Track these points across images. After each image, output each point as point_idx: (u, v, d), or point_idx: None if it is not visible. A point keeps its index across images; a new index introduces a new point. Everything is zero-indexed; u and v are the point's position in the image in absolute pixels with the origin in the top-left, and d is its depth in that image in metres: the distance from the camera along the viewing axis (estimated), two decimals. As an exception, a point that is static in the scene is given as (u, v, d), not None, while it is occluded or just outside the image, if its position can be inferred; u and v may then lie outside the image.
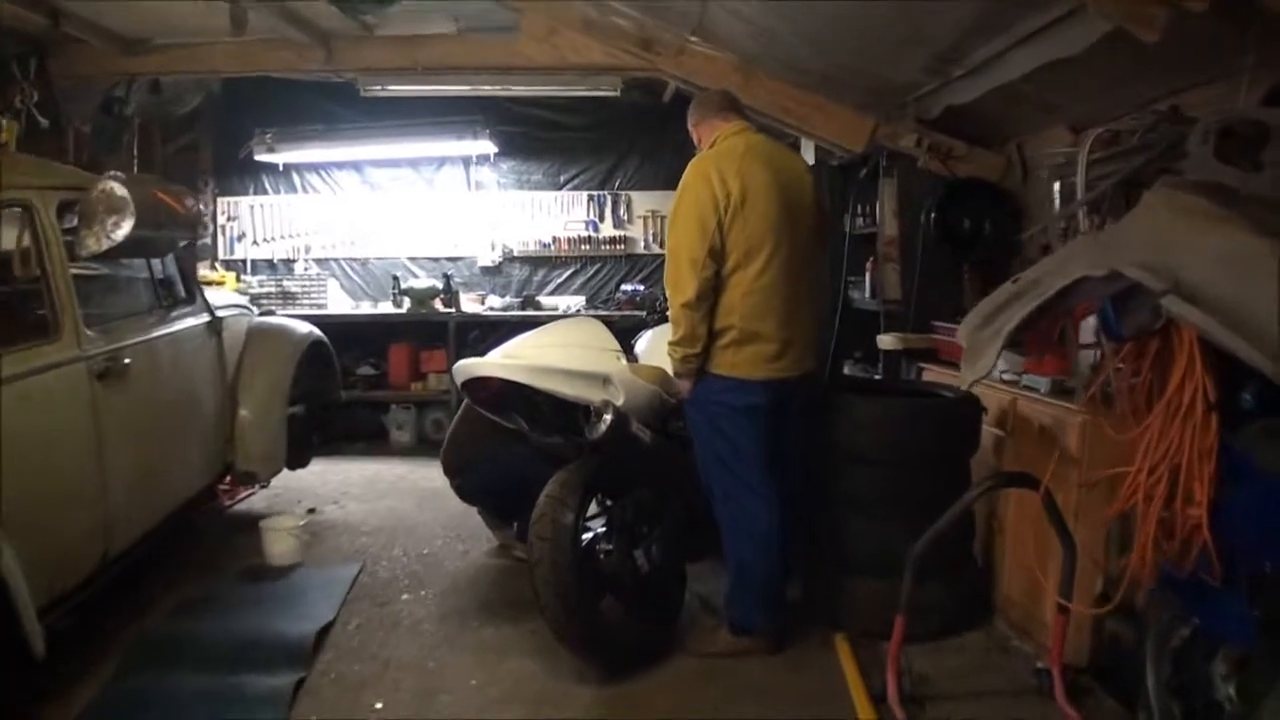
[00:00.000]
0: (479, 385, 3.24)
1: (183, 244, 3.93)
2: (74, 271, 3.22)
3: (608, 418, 3.01)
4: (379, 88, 5.45)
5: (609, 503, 3.37)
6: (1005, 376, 3.84)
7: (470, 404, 4.37)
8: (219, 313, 4.34)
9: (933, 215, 4.98)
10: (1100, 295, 2.15)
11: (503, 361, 3.16)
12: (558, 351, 3.25)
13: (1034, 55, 3.51)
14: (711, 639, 3.43)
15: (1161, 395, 2.08)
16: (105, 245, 3.14)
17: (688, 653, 3.42)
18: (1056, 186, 3.82)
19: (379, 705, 3.10)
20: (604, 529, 3.28)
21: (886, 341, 4.96)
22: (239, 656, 3.33)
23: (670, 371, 3.58)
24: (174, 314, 3.90)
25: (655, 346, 3.77)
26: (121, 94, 5.11)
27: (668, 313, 3.28)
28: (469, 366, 3.23)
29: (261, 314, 5.08)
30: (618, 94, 5.89)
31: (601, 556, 3.23)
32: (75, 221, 3.16)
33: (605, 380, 3.26)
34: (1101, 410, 2.39)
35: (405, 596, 4.03)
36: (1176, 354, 2.01)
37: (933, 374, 4.65)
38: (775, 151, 3.39)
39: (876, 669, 3.25)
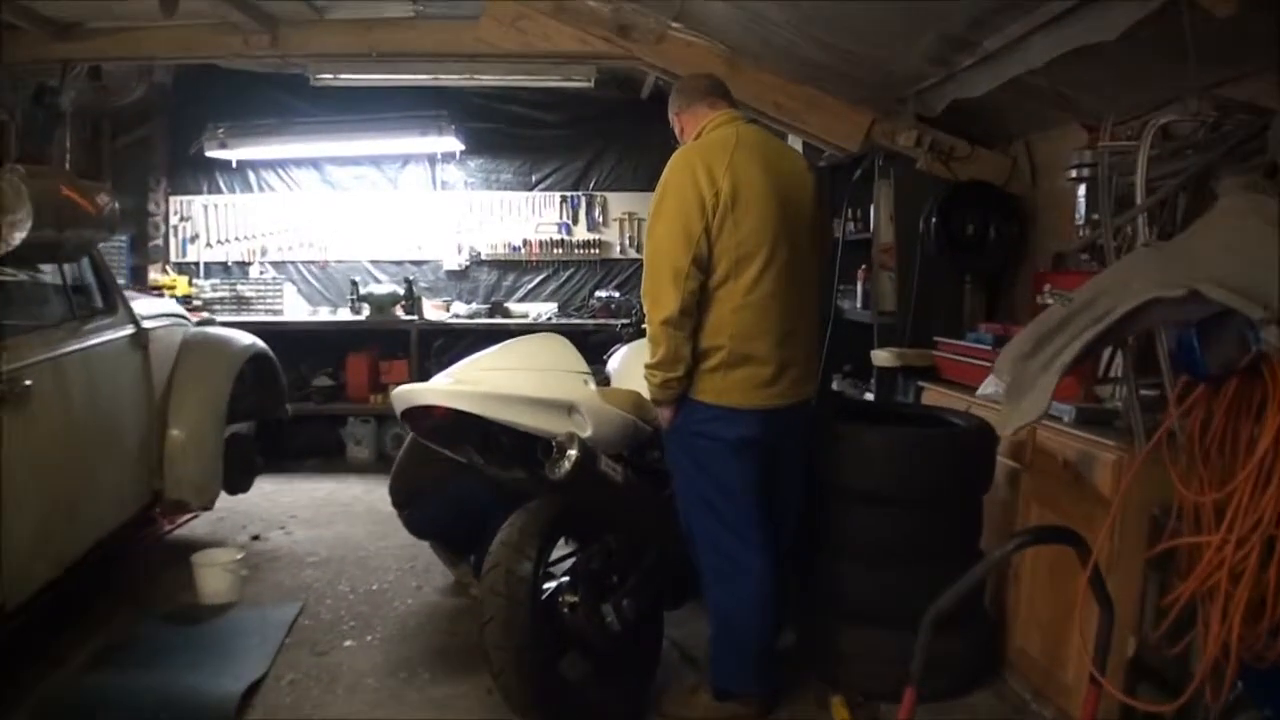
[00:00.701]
0: (422, 414, 2.80)
1: (97, 246, 3.48)
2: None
3: (571, 454, 2.60)
4: (330, 76, 5.00)
5: (575, 545, 2.95)
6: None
7: None
8: (147, 323, 3.88)
9: (934, 220, 4.61)
10: (1172, 320, 1.76)
11: (450, 388, 2.73)
12: (515, 375, 2.82)
13: (1058, 41, 3.13)
14: (691, 702, 3.01)
15: (1245, 447, 1.68)
16: (2, 249, 2.70)
17: (662, 717, 3.01)
18: (1082, 191, 3.44)
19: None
20: (568, 577, 2.85)
21: (882, 357, 4.57)
22: (155, 716, 2.90)
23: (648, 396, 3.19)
24: (89, 326, 3.43)
25: (632, 365, 3.36)
26: (55, 84, 4.64)
27: (645, 327, 2.87)
28: (409, 394, 2.79)
29: (199, 323, 4.62)
30: (591, 84, 5.48)
31: (565, 610, 2.81)
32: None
33: (570, 409, 2.84)
34: (1171, 460, 2.00)
35: (348, 643, 3.60)
36: (1272, 399, 1.61)
37: (934, 395, 4.27)
38: (770, 144, 2.98)
39: (877, 737, 2.85)
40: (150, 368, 3.84)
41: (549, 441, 2.75)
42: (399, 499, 3.98)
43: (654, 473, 3.13)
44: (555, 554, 2.95)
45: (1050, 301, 3.46)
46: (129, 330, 3.74)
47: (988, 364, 3.85)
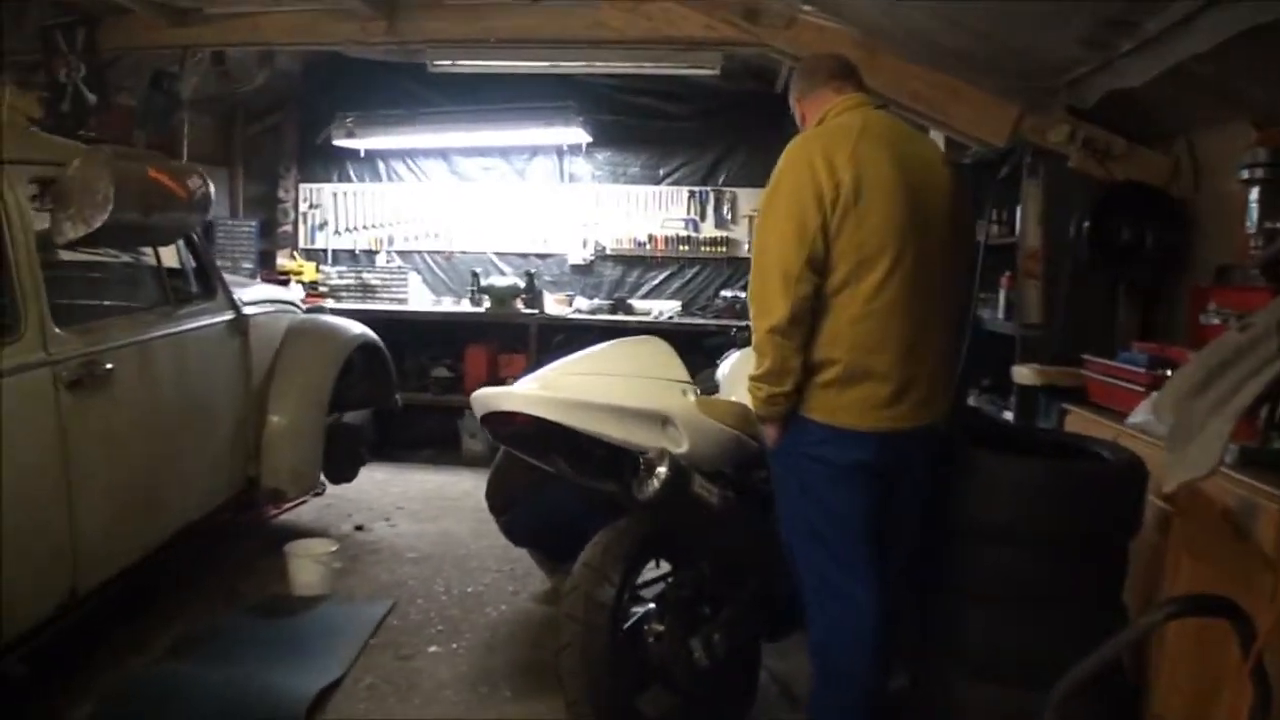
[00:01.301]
0: (503, 419, 2.60)
1: (193, 230, 3.43)
2: (58, 260, 2.76)
3: (661, 472, 2.35)
4: (448, 63, 4.89)
5: (667, 569, 2.70)
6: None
7: None
8: (249, 309, 3.85)
9: (1086, 224, 4.15)
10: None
11: (531, 393, 2.51)
12: (606, 381, 2.57)
13: (1228, 21, 2.69)
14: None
15: None
16: (81, 231, 2.64)
17: (756, 764, 2.74)
18: (1255, 194, 2.99)
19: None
20: (655, 605, 2.61)
21: (1024, 375, 4.15)
22: (224, 712, 2.82)
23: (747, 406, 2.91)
24: (184, 311, 3.39)
25: (741, 373, 3.07)
26: (174, 69, 4.69)
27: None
28: (488, 398, 2.59)
29: (308, 311, 4.58)
30: (717, 73, 5.20)
31: (650, 640, 2.57)
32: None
33: (664, 420, 2.58)
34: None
35: (433, 649, 3.46)
36: None
37: (1079, 419, 3.83)
38: (902, 132, 2.62)
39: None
40: (249, 354, 3.80)
41: (637, 456, 2.50)
42: (495, 504, 3.83)
43: (759, 494, 2.84)
44: (647, 575, 2.73)
45: (1217, 323, 3.03)
46: (227, 316, 3.71)
47: (1140, 388, 3.42)
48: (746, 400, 2.88)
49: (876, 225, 2.44)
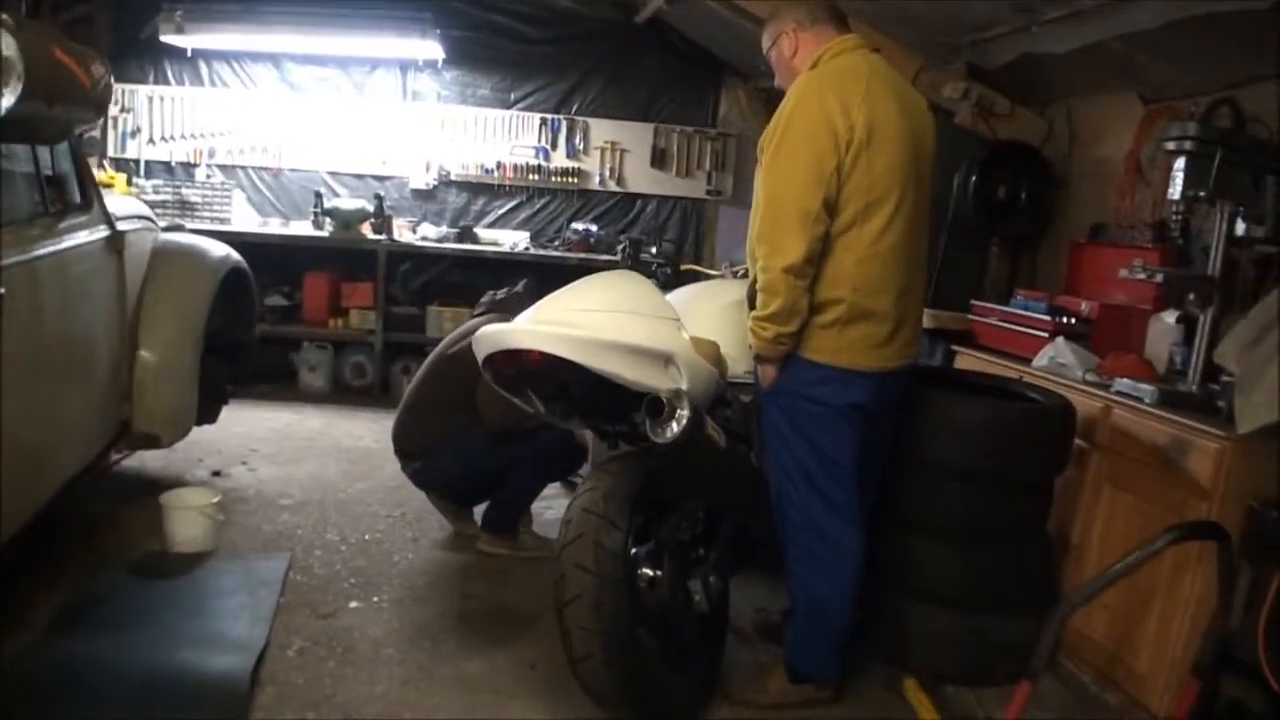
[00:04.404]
0: (506, 358, 2.39)
1: (82, 129, 2.90)
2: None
3: (683, 415, 2.24)
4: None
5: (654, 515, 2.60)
6: (1087, 377, 3.27)
7: (432, 378, 3.56)
8: (120, 225, 3.31)
9: (972, 179, 4.37)
10: None
11: (551, 331, 2.32)
12: (611, 319, 2.42)
13: (1181, 5, 2.88)
14: (763, 685, 2.74)
15: None
16: (-24, 120, 2.15)
17: (733, 701, 2.73)
18: (1180, 164, 3.21)
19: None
20: (647, 548, 2.52)
21: (917, 319, 4.32)
22: (145, 697, 2.46)
23: (719, 345, 2.86)
24: (63, 225, 2.85)
25: (702, 309, 3.00)
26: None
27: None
28: (501, 335, 2.36)
29: (166, 229, 4.02)
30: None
31: (644, 586, 2.49)
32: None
33: (667, 360, 2.47)
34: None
35: (354, 604, 3.20)
36: None
37: (968, 360, 4.07)
38: (898, 79, 2.64)
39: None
40: (125, 278, 3.28)
41: (636, 394, 2.38)
42: (408, 451, 3.57)
43: (729, 433, 2.80)
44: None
45: (1142, 278, 3.28)
46: (104, 232, 3.16)
47: (1043, 334, 3.66)
48: (709, 336, 2.84)
49: (884, 168, 2.46)
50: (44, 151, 2.80)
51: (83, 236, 2.94)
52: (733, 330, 2.88)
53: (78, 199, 3.01)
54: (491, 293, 3.79)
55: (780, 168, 2.42)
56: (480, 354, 2.44)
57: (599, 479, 2.43)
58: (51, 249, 2.68)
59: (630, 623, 2.33)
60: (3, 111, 2.12)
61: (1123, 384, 3.08)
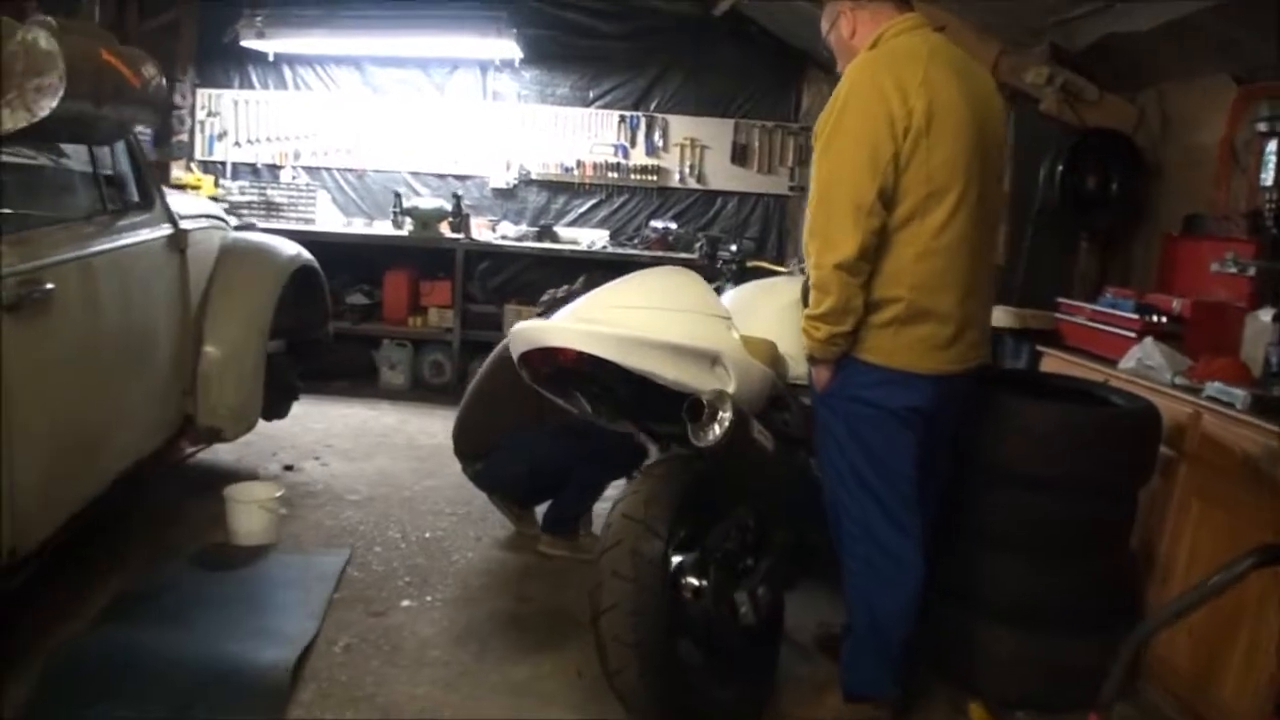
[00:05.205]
0: (543, 356, 2.33)
1: (138, 129, 2.95)
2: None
3: (725, 417, 2.14)
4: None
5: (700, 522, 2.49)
6: (1176, 380, 3.03)
7: (492, 377, 3.52)
8: (184, 223, 3.37)
9: (1060, 170, 4.13)
10: None
11: (586, 329, 2.24)
12: (654, 316, 2.32)
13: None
14: (820, 704, 2.61)
15: None
16: (24, 120, 2.18)
17: (786, 719, 2.61)
18: (1273, 146, 2.95)
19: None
20: (691, 557, 2.41)
21: (997, 317, 4.07)
22: (191, 687, 2.48)
23: (777, 345, 2.73)
24: (122, 223, 2.91)
25: (752, 312, 2.88)
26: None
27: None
28: (535, 332, 2.30)
29: (238, 228, 4.10)
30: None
31: (688, 595, 2.38)
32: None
33: (714, 360, 2.36)
34: None
35: (406, 603, 3.18)
36: None
37: (1054, 362, 3.84)
38: (963, 59, 2.46)
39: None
40: (188, 275, 3.34)
41: (680, 396, 2.28)
42: (466, 451, 3.55)
43: (784, 437, 2.67)
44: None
45: (1233, 272, 3.03)
46: (166, 230, 3.22)
47: (1131, 334, 3.42)
48: (768, 337, 2.72)
49: (946, 157, 2.30)
50: (103, 152, 2.85)
51: (143, 234, 3.00)
52: (793, 330, 2.74)
53: (136, 198, 3.06)
54: (552, 291, 3.75)
55: (833, 157, 2.29)
56: (515, 352, 2.38)
57: (642, 483, 2.35)
58: (106, 246, 2.72)
59: (670, 634, 2.24)
60: (44, 113, 2.14)
61: (1213, 388, 2.84)
